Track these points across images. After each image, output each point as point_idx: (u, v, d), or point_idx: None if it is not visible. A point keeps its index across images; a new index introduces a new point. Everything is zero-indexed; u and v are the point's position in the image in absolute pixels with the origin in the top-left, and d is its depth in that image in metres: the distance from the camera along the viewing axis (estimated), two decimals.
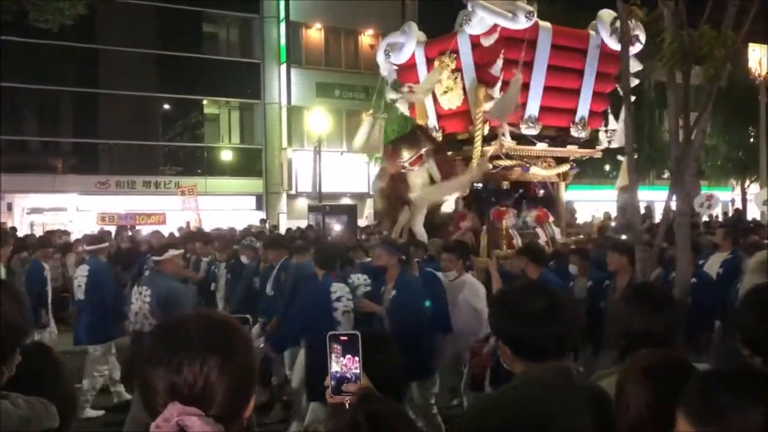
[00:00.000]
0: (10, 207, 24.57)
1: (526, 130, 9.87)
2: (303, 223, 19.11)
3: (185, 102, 27.32)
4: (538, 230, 10.00)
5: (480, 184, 10.28)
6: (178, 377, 1.21)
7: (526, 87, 9.62)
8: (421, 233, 9.45)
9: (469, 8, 9.36)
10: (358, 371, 1.84)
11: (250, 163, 27.58)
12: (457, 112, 10.24)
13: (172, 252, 6.19)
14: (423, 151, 9.64)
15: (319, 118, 23.56)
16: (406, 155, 9.67)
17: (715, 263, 7.07)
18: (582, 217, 24.87)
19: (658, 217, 16.47)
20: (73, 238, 15.22)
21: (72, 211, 24.74)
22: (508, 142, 9.60)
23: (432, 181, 9.80)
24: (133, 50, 24.98)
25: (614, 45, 9.92)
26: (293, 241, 9.21)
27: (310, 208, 21.52)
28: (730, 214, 22.82)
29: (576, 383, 2.17)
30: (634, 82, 10.50)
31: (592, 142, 10.83)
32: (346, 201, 25.10)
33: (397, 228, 9.66)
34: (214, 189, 25.62)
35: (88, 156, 26.07)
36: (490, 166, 9.67)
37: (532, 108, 9.86)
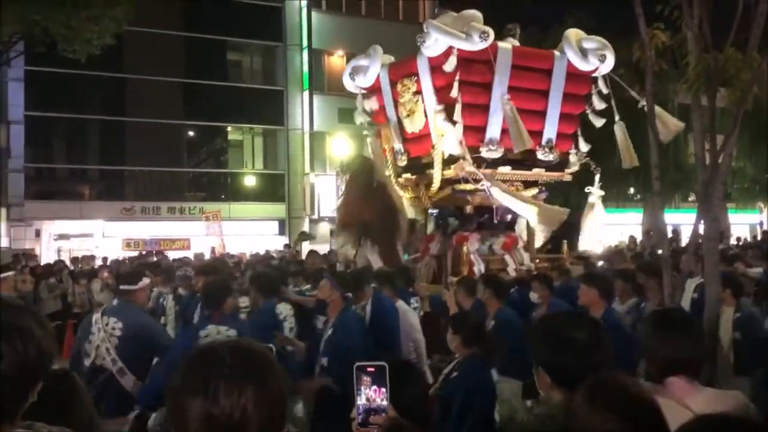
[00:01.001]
0: (38, 233, 24.95)
1: (487, 153, 9.57)
2: (326, 248, 19.13)
3: (210, 129, 27.68)
4: (506, 257, 9.69)
5: (435, 210, 10.17)
6: (215, 407, 1.20)
7: (485, 109, 9.42)
8: (375, 260, 9.06)
9: (425, 29, 9.27)
10: (385, 402, 1.80)
11: (273, 189, 27.77)
12: (420, 135, 10.09)
13: (145, 280, 5.32)
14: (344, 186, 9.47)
15: (341, 143, 23.71)
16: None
17: (690, 288, 6.91)
18: (607, 240, 24.66)
19: (684, 241, 16.25)
20: (98, 264, 15.39)
21: (98, 237, 25.05)
22: (468, 165, 9.33)
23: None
24: (159, 79, 25.43)
25: (581, 65, 9.82)
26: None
27: (332, 233, 21.48)
28: (759, 237, 22.42)
29: None
30: (601, 105, 10.29)
31: (562, 164, 10.52)
32: None
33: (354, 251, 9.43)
34: (237, 214, 25.80)
35: (114, 183, 26.45)
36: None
37: (493, 130, 9.55)
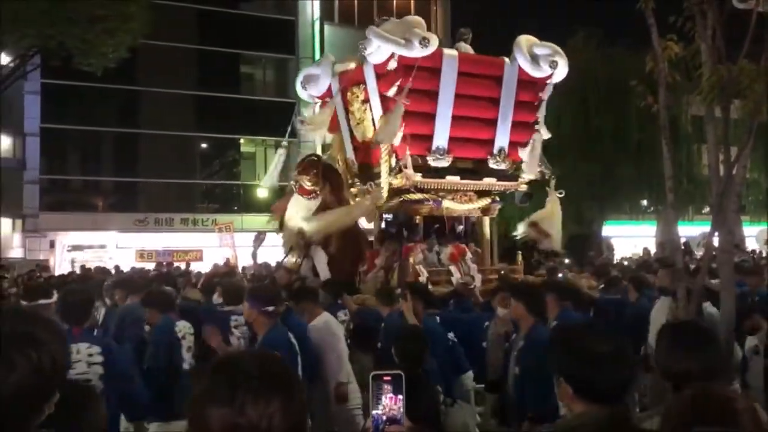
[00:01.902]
0: (52, 244, 25.15)
1: (434, 162, 9.34)
2: None
3: (222, 141, 27.85)
4: (452, 268, 9.44)
5: (379, 221, 10.02)
6: (241, 418, 1.21)
7: (431, 117, 9.21)
8: (324, 271, 8.75)
9: (367, 35, 9.09)
10: (401, 412, 1.79)
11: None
12: (370, 143, 9.89)
13: (47, 300, 4.67)
14: (320, 187, 9.15)
15: None
16: (306, 182, 9.13)
17: (663, 307, 6.64)
18: (620, 252, 24.49)
19: (698, 253, 16.13)
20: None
21: (112, 248, 25.21)
22: (411, 174, 9.12)
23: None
24: (173, 91, 25.65)
25: (533, 71, 9.59)
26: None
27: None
28: None
29: (634, 426, 2.12)
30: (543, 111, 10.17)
31: (516, 174, 10.26)
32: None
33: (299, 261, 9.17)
34: (250, 225, 25.84)
35: (128, 194, 26.63)
36: (382, 198, 9.26)
37: (440, 139, 9.33)
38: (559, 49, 9.85)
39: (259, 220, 27.74)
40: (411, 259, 9.13)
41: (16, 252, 25.78)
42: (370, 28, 9.09)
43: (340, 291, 7.14)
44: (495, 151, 9.82)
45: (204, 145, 28.08)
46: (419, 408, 1.94)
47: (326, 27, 27.33)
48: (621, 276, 9.22)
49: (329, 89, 10.30)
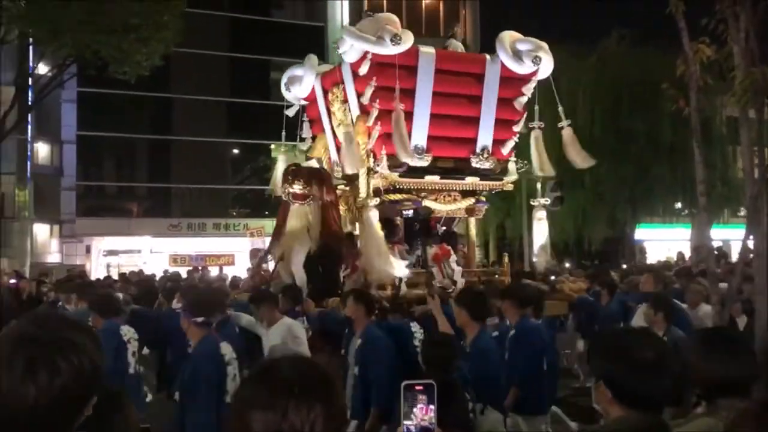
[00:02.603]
0: (88, 249, 25.66)
1: (412, 162, 9.03)
2: None
3: (253, 146, 28.12)
4: (434, 270, 9.07)
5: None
6: (284, 423, 1.23)
7: (409, 116, 8.91)
8: (300, 275, 8.44)
9: (342, 35, 8.91)
10: (433, 422, 1.76)
11: None
12: None
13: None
14: (314, 192, 8.82)
15: None
16: (297, 187, 8.83)
17: (641, 314, 6.61)
18: (654, 256, 24.14)
19: (734, 257, 15.83)
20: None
21: (146, 253, 25.62)
22: (387, 174, 8.87)
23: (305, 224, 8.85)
24: (205, 98, 26.01)
25: (516, 68, 9.30)
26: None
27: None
28: None
29: None
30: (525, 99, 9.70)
31: (501, 173, 9.89)
32: None
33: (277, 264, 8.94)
34: None
35: (161, 200, 27.06)
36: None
37: (419, 138, 9.05)
38: (542, 44, 9.55)
39: None
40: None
41: (53, 257, 26.35)
42: (345, 26, 9.11)
43: (299, 297, 6.97)
44: (478, 149, 9.54)
45: (235, 151, 28.41)
46: (450, 416, 1.94)
47: None
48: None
49: (313, 90, 10.15)
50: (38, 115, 24.91)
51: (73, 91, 24.52)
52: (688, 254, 19.02)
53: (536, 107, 9.97)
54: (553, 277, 10.30)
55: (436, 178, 9.33)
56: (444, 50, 9.85)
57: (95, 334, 1.71)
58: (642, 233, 24.98)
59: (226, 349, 4.47)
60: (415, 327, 6.21)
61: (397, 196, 9.17)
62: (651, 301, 5.73)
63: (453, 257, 9.25)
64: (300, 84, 10.19)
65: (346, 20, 27.73)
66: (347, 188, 9.78)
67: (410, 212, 9.61)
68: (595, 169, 21.03)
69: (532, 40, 9.64)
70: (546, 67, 9.52)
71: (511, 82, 9.44)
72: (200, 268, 19.51)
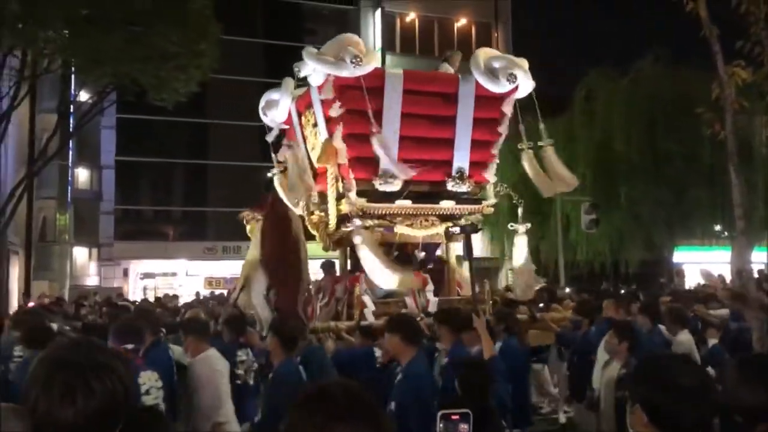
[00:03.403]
0: (126, 272, 26.10)
1: (381, 186, 8.70)
2: None
3: None
4: (408, 299, 8.60)
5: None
6: None
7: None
8: (261, 306, 7.97)
9: (303, 57, 8.65)
10: None
11: None
12: (325, 169, 9.28)
13: None
14: (259, 217, 8.56)
15: None
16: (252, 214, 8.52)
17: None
18: (693, 279, 23.60)
19: None
20: (182, 301, 15.92)
21: (182, 275, 25.96)
22: (355, 200, 8.58)
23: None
24: (240, 123, 26.42)
25: (491, 87, 8.88)
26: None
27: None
28: None
29: None
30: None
31: (481, 196, 9.52)
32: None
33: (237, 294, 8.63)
34: (314, 253, 26.23)
35: (197, 223, 27.45)
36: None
37: (388, 161, 8.69)
38: (518, 60, 9.18)
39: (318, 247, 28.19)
40: (356, 290, 8.48)
41: (92, 280, 26.88)
42: (306, 49, 8.74)
43: (244, 328, 6.72)
44: (454, 172, 9.12)
45: (270, 175, 28.72)
46: None
47: (388, 57, 27.71)
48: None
49: (290, 114, 9.89)
50: (79, 141, 25.60)
51: (112, 117, 25.16)
52: (729, 277, 18.57)
53: (521, 127, 9.76)
54: (541, 305, 9.82)
55: (407, 203, 8.92)
56: (412, 71, 9.58)
57: (126, 358, 1.77)
58: (680, 256, 24.50)
59: (147, 378, 4.35)
60: (378, 352, 6.16)
61: (367, 222, 8.78)
62: (615, 330, 5.47)
63: (430, 287, 8.80)
64: (276, 108, 9.87)
65: (379, 45, 28.04)
66: (322, 214, 9.44)
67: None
68: (631, 190, 20.88)
69: (509, 57, 9.32)
70: (525, 84, 9.10)
71: (487, 101, 9.02)
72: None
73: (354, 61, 8.18)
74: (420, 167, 8.72)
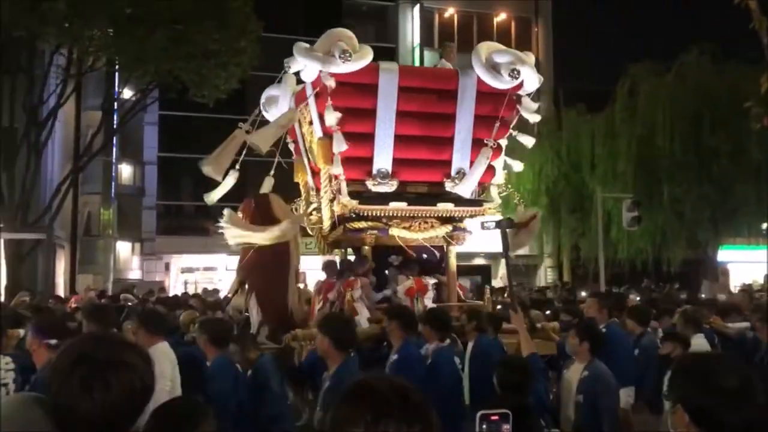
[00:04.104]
0: (167, 267, 26.58)
1: (375, 187, 8.37)
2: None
3: None
4: (405, 304, 8.19)
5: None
6: None
7: (369, 138, 8.26)
8: (256, 309, 7.83)
9: (294, 51, 8.32)
10: None
11: None
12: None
13: None
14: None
15: None
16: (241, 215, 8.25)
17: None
18: (738, 279, 23.04)
19: None
20: (222, 295, 16.12)
21: (221, 270, 26.31)
22: (346, 201, 8.22)
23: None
24: None
25: (493, 82, 8.39)
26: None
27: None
28: None
29: None
30: (535, 117, 8.94)
31: (483, 198, 9.04)
32: (479, 261, 24.87)
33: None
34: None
35: None
36: (301, 223, 8.44)
37: (382, 161, 8.35)
38: (522, 55, 8.67)
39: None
40: (348, 296, 8.17)
41: (134, 273, 27.45)
42: (296, 44, 8.39)
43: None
44: (453, 172, 8.66)
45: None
46: None
47: (426, 52, 27.64)
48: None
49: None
50: (122, 138, 26.13)
51: (154, 114, 25.60)
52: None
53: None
54: (548, 312, 9.49)
55: (402, 205, 8.53)
56: (409, 66, 9.25)
57: (147, 354, 1.80)
58: (725, 255, 23.92)
59: None
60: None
61: (361, 224, 8.47)
62: (576, 329, 5.25)
63: (430, 294, 8.53)
64: (276, 105, 9.51)
65: (417, 41, 27.96)
66: (318, 216, 9.13)
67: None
68: (675, 187, 20.44)
69: (514, 51, 8.80)
70: (530, 80, 8.61)
71: (490, 98, 8.53)
72: None
73: (343, 56, 7.83)
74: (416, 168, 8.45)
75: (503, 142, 8.93)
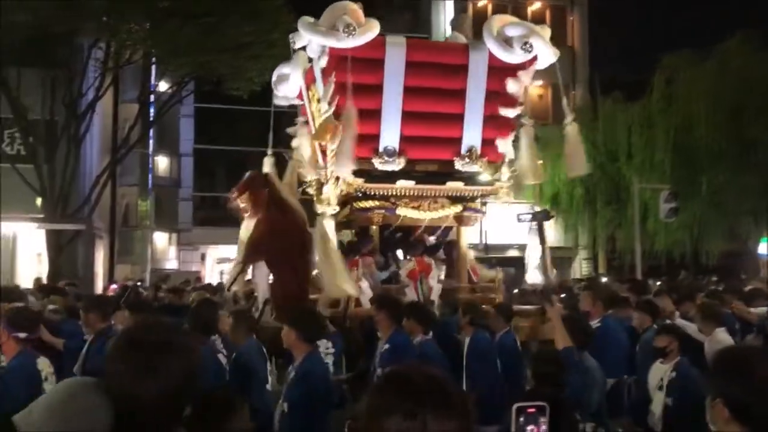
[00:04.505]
0: (203, 257, 26.94)
1: (382, 165, 8.15)
2: None
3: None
4: (408, 288, 8.06)
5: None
6: None
7: (376, 114, 8.02)
8: (263, 288, 7.74)
9: (298, 27, 8.07)
10: None
11: None
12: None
13: None
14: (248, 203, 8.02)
15: None
16: (241, 200, 8.10)
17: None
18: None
19: None
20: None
21: None
22: (352, 179, 8.03)
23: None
24: None
25: (504, 56, 8.08)
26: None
27: (477, 260, 21.26)
28: None
29: None
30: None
31: (494, 177, 8.76)
32: (512, 253, 24.68)
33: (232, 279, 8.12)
34: None
35: None
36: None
37: (389, 139, 8.11)
38: (536, 28, 8.32)
39: None
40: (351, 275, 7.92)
41: (171, 264, 27.86)
42: (300, 18, 8.13)
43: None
44: (464, 150, 8.39)
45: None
46: None
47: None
48: None
49: (300, 89, 9.27)
50: (159, 130, 26.48)
51: (190, 106, 25.92)
52: None
53: (565, 101, 8.76)
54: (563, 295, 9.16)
55: (409, 183, 8.34)
56: (417, 40, 9.00)
57: (199, 340, 1.82)
58: (767, 248, 23.36)
59: (44, 365, 4.38)
60: (327, 344, 5.86)
61: (368, 203, 8.29)
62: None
63: (435, 273, 8.29)
64: (287, 83, 9.27)
65: (449, 32, 27.75)
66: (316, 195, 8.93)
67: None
68: (714, 178, 19.98)
69: (528, 24, 8.52)
70: (544, 54, 8.28)
71: (501, 72, 8.26)
72: None
73: (347, 30, 7.54)
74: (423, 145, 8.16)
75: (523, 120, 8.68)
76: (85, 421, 1.54)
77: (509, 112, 8.53)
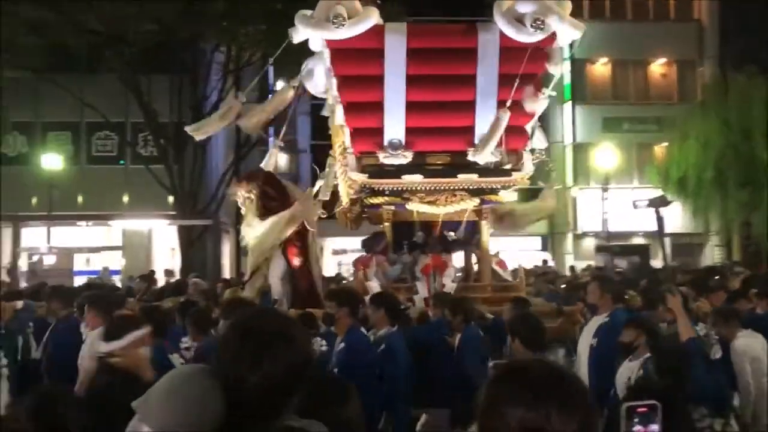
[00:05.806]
0: (321, 248, 27.73)
1: (387, 159, 7.69)
2: (585, 265, 18.37)
3: None
4: (419, 284, 7.56)
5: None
6: (547, 425, 1.27)
7: (378, 107, 7.52)
8: (276, 287, 7.45)
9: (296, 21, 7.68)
10: None
11: None
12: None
13: None
14: (248, 189, 7.75)
15: (607, 154, 22.71)
16: (241, 192, 7.77)
17: (591, 329, 5.40)
18: None
19: None
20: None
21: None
22: (355, 174, 7.67)
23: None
24: None
25: (516, 35, 7.29)
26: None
27: (598, 249, 20.57)
28: None
29: None
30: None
31: (514, 167, 8.13)
32: (637, 240, 23.63)
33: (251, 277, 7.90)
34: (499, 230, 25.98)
35: None
36: (315, 203, 8.00)
37: (395, 131, 7.62)
38: (551, 3, 7.49)
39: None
40: (359, 273, 7.77)
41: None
42: (298, 12, 7.84)
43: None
44: (477, 140, 7.80)
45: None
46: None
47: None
48: None
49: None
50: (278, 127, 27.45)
51: (306, 104, 26.60)
52: None
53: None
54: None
55: (417, 177, 7.87)
56: (419, 25, 8.49)
57: (306, 329, 1.88)
58: None
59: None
60: (321, 342, 5.65)
61: (379, 199, 8.01)
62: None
63: (450, 271, 7.90)
64: (312, 78, 8.91)
65: None
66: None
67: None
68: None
69: (543, 1, 7.58)
70: (564, 32, 7.54)
71: (516, 53, 7.48)
72: None
73: (336, 21, 7.25)
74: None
75: (538, 106, 8.08)
76: (200, 406, 1.60)
77: (530, 99, 7.94)
